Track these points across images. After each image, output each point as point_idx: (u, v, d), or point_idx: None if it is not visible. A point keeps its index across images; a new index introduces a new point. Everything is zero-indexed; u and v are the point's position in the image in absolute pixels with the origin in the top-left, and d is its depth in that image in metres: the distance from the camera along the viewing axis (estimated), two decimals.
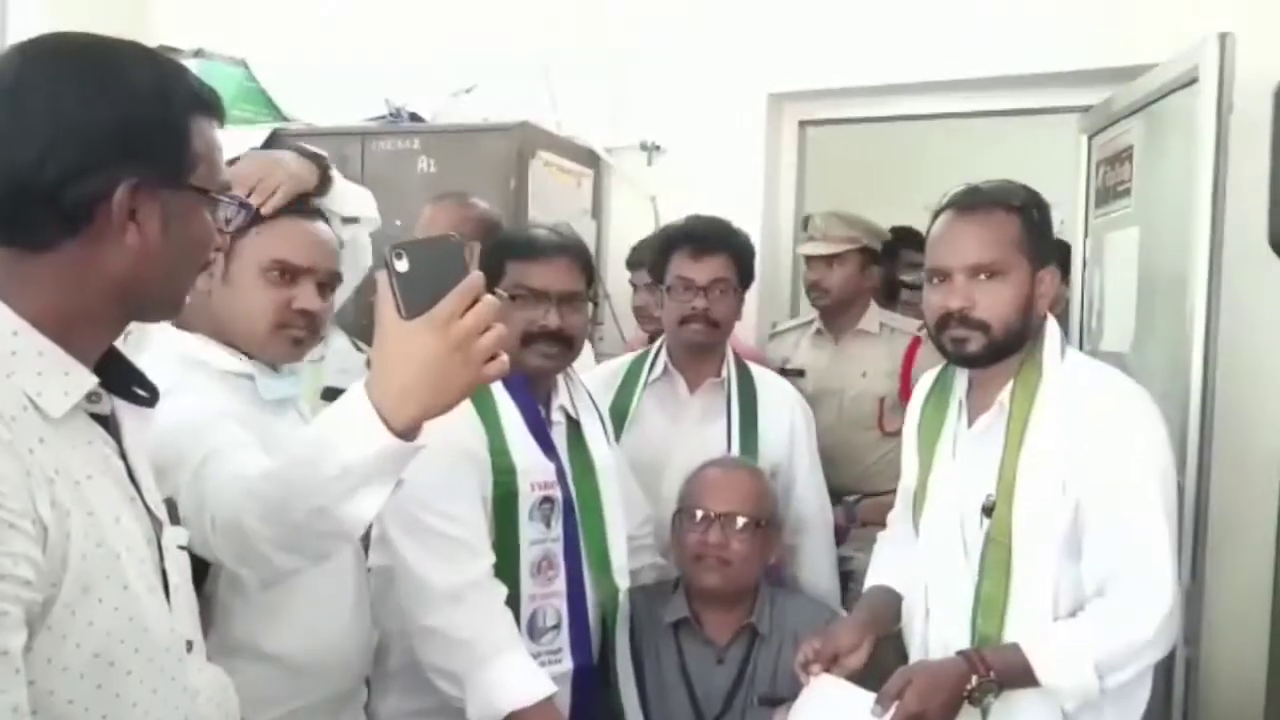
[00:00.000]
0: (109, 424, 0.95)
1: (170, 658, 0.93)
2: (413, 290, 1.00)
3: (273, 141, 2.98)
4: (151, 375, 1.03)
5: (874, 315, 2.92)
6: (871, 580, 1.89)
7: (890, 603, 1.82)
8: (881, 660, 1.73)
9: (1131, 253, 2.60)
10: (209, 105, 0.98)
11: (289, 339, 1.53)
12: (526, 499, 1.75)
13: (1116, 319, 2.64)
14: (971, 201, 1.61)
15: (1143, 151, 2.62)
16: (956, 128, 3.27)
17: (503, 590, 1.71)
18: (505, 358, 1.02)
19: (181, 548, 1.05)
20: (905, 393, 2.64)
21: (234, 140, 3.19)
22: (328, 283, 1.58)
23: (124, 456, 0.96)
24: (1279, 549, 1.94)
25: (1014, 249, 1.58)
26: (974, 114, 3.05)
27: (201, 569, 1.40)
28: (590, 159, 3.15)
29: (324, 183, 1.66)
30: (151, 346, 1.47)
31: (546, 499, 1.78)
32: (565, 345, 1.80)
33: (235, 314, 1.51)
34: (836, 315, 2.93)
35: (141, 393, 1.02)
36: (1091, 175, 2.94)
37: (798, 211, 3.32)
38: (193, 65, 3.06)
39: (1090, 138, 2.94)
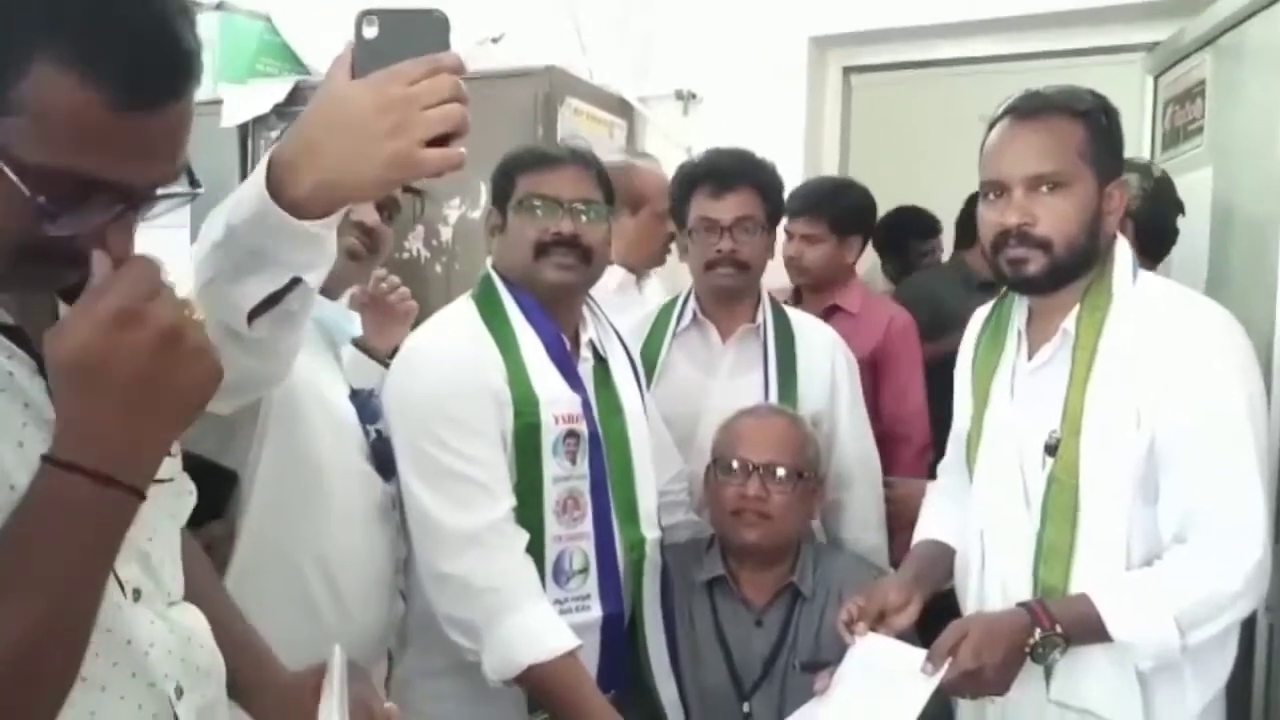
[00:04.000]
0: (20, 336, 0.81)
1: (106, 606, 0.80)
2: (374, 59, 0.87)
3: (296, 95, 2.91)
4: None
5: None
6: (920, 534, 1.75)
7: (941, 558, 1.67)
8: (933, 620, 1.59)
9: (1204, 195, 2.42)
10: (108, 65, 0.71)
11: (344, 249, 1.53)
12: (550, 432, 1.63)
13: (1186, 267, 2.46)
14: (1031, 106, 1.46)
15: (1216, 85, 2.44)
16: (1013, 73, 3.08)
17: (524, 536, 1.59)
18: (460, 151, 0.88)
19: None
20: None
21: (257, 94, 3.13)
22: (386, 205, 1.60)
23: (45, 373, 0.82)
24: None
25: (1078, 158, 1.43)
26: (1031, 55, 2.87)
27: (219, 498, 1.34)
28: (623, 108, 3.02)
29: None
30: None
31: (571, 433, 1.65)
32: (582, 256, 1.67)
33: None
34: None
35: None
36: (1158, 117, 2.76)
37: (842, 165, 3.17)
38: (214, 19, 3.01)
39: (1157, 77, 2.76)
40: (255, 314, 0.98)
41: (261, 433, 1.39)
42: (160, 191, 0.80)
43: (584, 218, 1.67)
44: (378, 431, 1.66)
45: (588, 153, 1.76)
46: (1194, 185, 2.44)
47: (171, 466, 0.95)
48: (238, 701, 1.02)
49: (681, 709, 1.74)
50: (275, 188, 0.90)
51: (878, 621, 1.54)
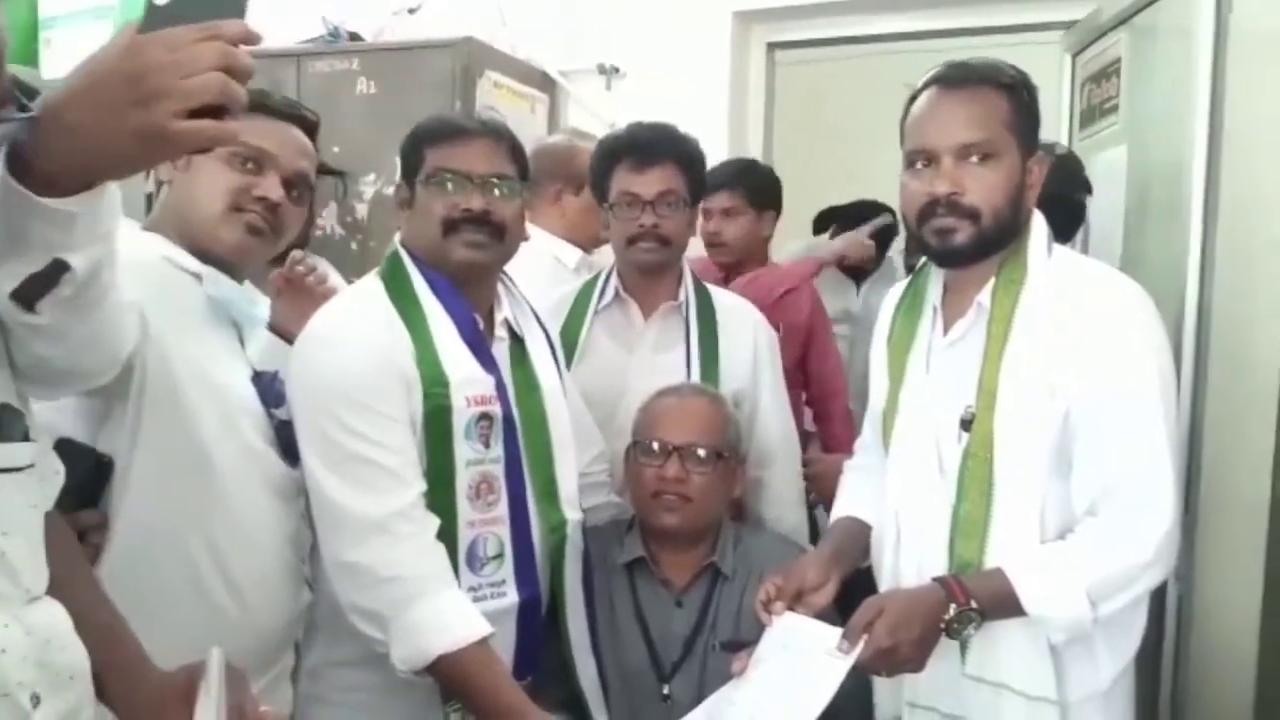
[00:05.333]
0: None
1: None
2: (159, 26, 0.79)
3: None
4: None
5: None
6: (838, 512, 1.73)
7: (859, 535, 1.66)
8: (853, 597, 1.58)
9: (1120, 173, 2.45)
10: None
11: (244, 223, 1.48)
12: (461, 415, 1.57)
13: (1102, 244, 2.49)
14: (959, 76, 1.45)
15: (1131, 64, 2.46)
16: (934, 50, 3.09)
17: (434, 522, 1.54)
18: (220, 125, 0.81)
19: (8, 470, 0.85)
20: None
21: None
22: (296, 184, 1.55)
23: None
24: (1276, 477, 1.79)
25: (1005, 130, 1.43)
26: (953, 32, 2.89)
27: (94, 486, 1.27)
28: (545, 82, 2.97)
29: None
30: None
31: (484, 415, 1.60)
32: (494, 233, 1.61)
33: (193, 197, 1.47)
34: None
35: None
36: (1076, 96, 2.79)
37: (766, 141, 3.16)
38: None
39: (1075, 55, 2.78)
40: (33, 297, 0.87)
41: (136, 416, 1.32)
42: None
43: (496, 193, 1.61)
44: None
45: (500, 125, 1.69)
46: (1110, 163, 2.47)
47: (31, 451, 0.88)
48: (105, 703, 0.96)
49: (601, 691, 1.71)
50: (29, 159, 0.81)
51: (796, 600, 1.53)
